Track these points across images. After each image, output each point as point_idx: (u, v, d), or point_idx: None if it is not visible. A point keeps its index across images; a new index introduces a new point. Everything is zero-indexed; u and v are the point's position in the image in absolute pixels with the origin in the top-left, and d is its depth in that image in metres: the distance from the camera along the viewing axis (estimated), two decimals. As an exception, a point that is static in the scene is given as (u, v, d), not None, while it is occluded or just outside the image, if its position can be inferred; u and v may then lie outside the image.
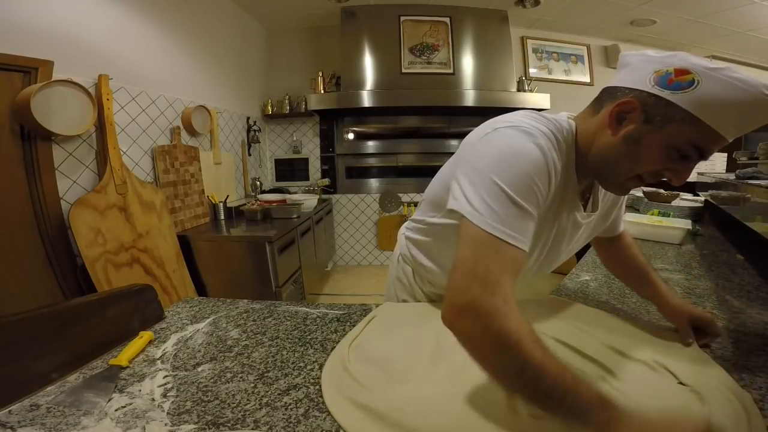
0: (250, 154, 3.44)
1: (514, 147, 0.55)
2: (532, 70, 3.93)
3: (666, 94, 0.51)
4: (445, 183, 0.69)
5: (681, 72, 0.50)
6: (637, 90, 0.54)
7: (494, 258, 0.50)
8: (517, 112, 0.63)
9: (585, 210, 0.71)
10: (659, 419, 0.44)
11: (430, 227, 0.80)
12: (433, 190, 0.78)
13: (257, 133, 3.46)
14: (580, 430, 0.44)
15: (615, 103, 0.56)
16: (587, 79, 4.04)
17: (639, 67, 0.56)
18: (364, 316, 0.86)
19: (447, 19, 3.50)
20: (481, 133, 0.61)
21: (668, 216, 1.93)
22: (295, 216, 2.65)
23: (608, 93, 0.60)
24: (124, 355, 0.69)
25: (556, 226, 0.67)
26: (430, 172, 0.86)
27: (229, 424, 0.52)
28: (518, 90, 3.67)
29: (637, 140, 0.55)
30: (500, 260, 0.50)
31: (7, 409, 0.55)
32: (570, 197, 0.65)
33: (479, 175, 0.55)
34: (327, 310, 0.91)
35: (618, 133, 0.57)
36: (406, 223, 0.97)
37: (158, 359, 0.70)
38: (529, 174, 0.53)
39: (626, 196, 0.79)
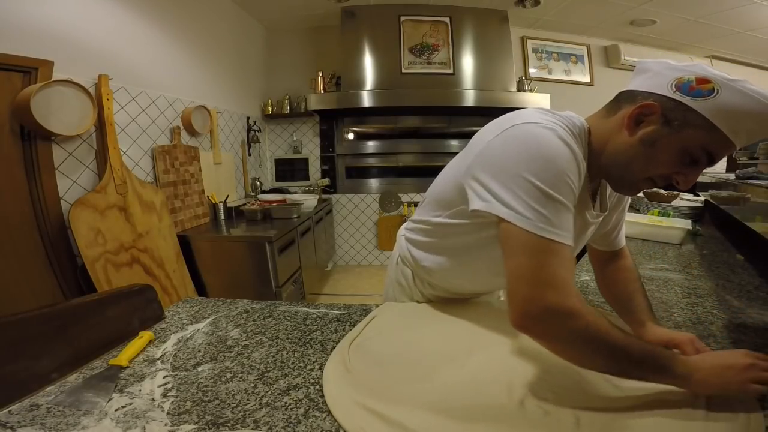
0: (250, 154, 3.44)
1: (542, 144, 0.55)
2: (532, 70, 3.93)
3: (687, 100, 0.53)
4: (453, 182, 0.68)
5: (702, 81, 0.52)
6: (657, 94, 0.56)
7: (554, 262, 0.52)
8: (527, 108, 0.63)
9: (594, 209, 0.70)
10: (716, 354, 0.55)
11: (434, 227, 0.78)
12: (438, 190, 0.76)
13: (257, 133, 3.47)
14: (668, 383, 0.51)
15: (635, 105, 0.57)
16: (587, 79, 4.04)
17: (660, 74, 0.57)
18: (364, 316, 0.86)
19: (447, 19, 3.50)
20: (496, 129, 0.60)
21: (668, 216, 1.93)
22: (295, 216, 2.65)
23: (627, 96, 0.61)
24: (124, 355, 0.68)
25: None
26: (430, 172, 0.85)
27: (229, 424, 0.52)
28: (518, 90, 3.67)
29: (654, 142, 0.56)
30: (560, 262, 0.52)
31: (7, 409, 0.55)
32: (582, 196, 0.66)
33: (510, 175, 0.54)
34: (327, 310, 0.90)
35: (635, 134, 0.58)
36: (405, 224, 0.95)
37: (158, 359, 0.70)
38: (563, 169, 0.54)
39: (628, 204, 0.79)
